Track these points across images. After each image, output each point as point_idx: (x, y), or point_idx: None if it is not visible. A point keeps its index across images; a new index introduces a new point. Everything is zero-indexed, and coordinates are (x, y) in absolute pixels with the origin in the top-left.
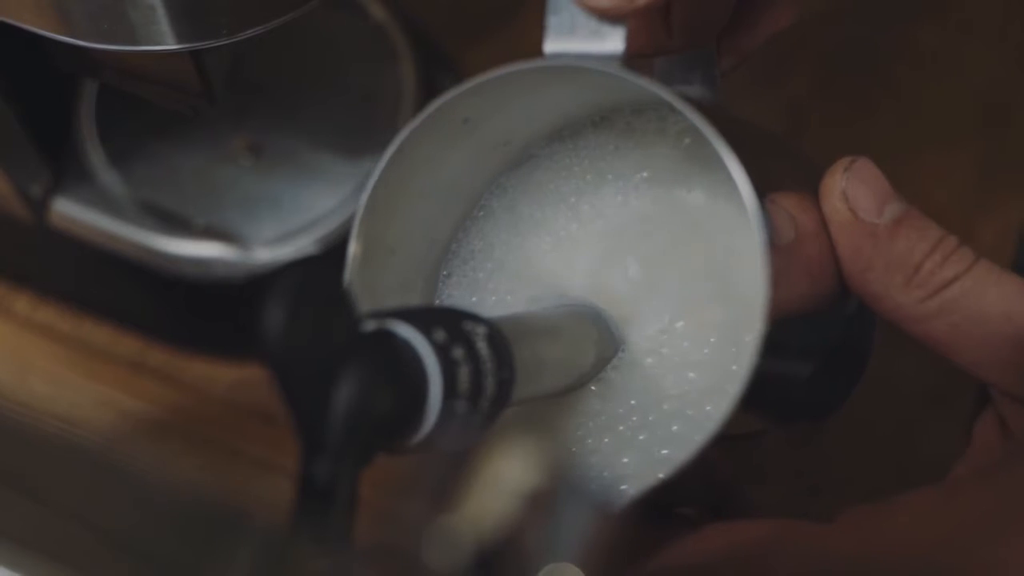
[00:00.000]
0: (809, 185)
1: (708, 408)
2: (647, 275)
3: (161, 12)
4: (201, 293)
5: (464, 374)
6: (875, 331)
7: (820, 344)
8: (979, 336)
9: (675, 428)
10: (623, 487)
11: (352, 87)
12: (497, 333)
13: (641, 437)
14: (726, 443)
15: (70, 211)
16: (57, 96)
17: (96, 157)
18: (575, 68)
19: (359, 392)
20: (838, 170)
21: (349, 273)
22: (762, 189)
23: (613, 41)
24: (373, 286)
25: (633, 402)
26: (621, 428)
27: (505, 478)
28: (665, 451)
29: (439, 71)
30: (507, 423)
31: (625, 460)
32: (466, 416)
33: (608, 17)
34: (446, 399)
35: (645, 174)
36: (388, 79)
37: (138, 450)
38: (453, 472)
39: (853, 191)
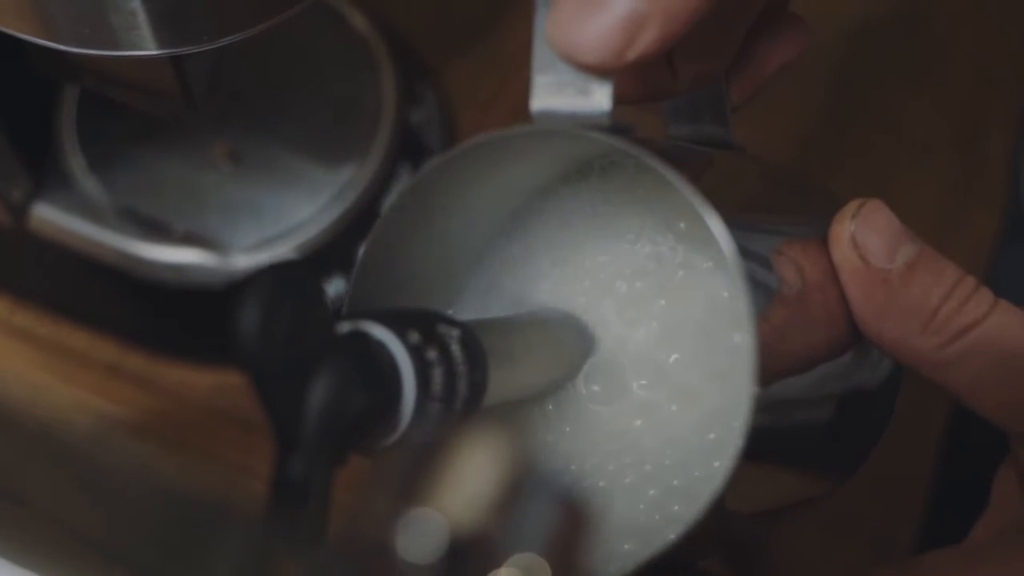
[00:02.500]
0: (824, 223)
1: (716, 464)
2: (648, 327)
3: (142, 17)
4: (180, 299)
5: (438, 375)
6: (901, 374)
7: (834, 397)
8: (1002, 384)
9: (676, 483)
10: (626, 546)
11: (332, 95)
12: (471, 336)
13: (651, 492)
14: (765, 518)
15: (50, 216)
16: (38, 101)
17: (76, 163)
18: (553, 132)
19: (333, 392)
20: (846, 216)
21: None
22: (766, 239)
23: (600, 98)
24: None
25: (628, 459)
26: (626, 479)
27: (475, 471)
28: (676, 507)
29: (419, 81)
30: (478, 419)
31: (628, 510)
32: (439, 417)
33: (596, 73)
34: (419, 400)
35: (649, 219)
36: (368, 88)
37: (115, 452)
38: (424, 464)
39: (863, 237)
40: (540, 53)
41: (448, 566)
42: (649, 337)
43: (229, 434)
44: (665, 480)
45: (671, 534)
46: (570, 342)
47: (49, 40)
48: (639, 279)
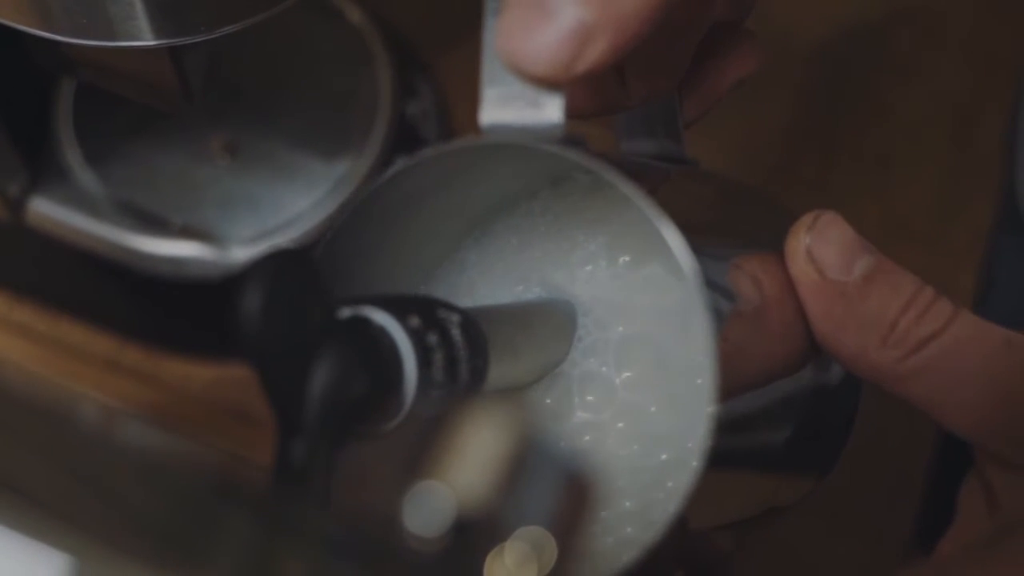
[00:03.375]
0: (780, 239)
1: (670, 484)
2: (601, 350)
3: (140, 7)
4: (178, 292)
5: (438, 360)
6: (860, 387)
7: (794, 409)
8: (962, 397)
9: (628, 505)
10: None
11: (328, 89)
12: (471, 321)
13: (603, 514)
14: (729, 529)
15: (47, 210)
16: (34, 95)
17: (73, 157)
18: (507, 145)
19: (335, 376)
20: (801, 229)
21: None
22: (724, 253)
23: (551, 111)
24: None
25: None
26: None
27: (481, 445)
28: (629, 529)
29: (415, 74)
30: (483, 396)
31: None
32: (440, 403)
33: (545, 85)
34: (421, 384)
35: (603, 239)
36: (364, 81)
37: (116, 442)
38: (431, 438)
39: (818, 250)
40: (489, 65)
41: (455, 539)
42: (602, 359)
43: (228, 427)
44: (617, 502)
45: (625, 557)
46: (565, 328)
47: (47, 31)
48: (588, 303)
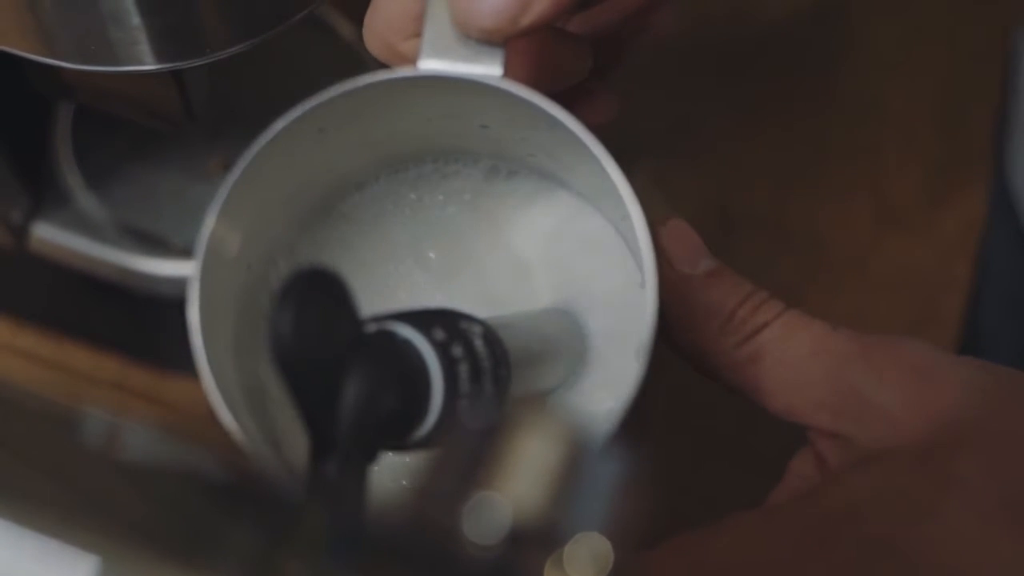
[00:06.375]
0: None
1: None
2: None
3: (143, 33)
4: (181, 312)
5: (463, 371)
6: None
7: None
8: (791, 378)
9: None
10: None
11: None
12: (492, 332)
13: None
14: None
15: (49, 235)
16: (33, 120)
17: (73, 180)
18: (453, 80)
19: (366, 391)
20: (656, 227)
21: (197, 284)
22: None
23: (492, 64)
24: (223, 297)
25: None
26: None
27: (534, 453)
28: None
29: None
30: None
31: None
32: (466, 413)
33: (491, 38)
34: (447, 395)
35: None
36: None
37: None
38: (483, 448)
39: (667, 244)
40: (433, 18)
41: (512, 546)
42: None
43: (236, 448)
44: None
45: None
46: (577, 332)
47: (51, 58)
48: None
